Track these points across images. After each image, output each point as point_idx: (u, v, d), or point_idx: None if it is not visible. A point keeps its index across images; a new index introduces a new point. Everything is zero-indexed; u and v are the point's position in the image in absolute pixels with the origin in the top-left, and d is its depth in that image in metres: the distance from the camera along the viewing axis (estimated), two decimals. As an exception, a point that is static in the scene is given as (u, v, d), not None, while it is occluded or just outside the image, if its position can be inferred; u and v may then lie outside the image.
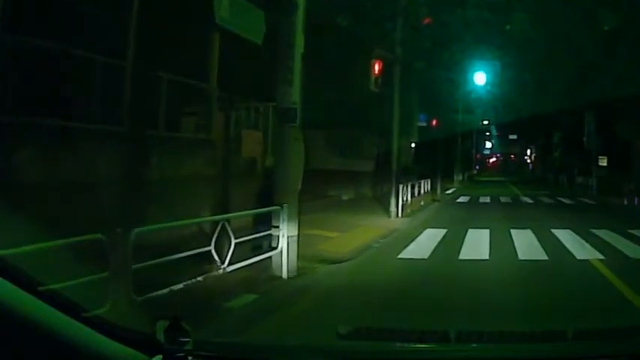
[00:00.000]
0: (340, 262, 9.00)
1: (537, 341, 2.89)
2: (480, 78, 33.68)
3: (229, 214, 6.81)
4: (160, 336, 1.84)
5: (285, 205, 7.43)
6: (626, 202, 23.19)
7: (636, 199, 22.60)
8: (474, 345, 2.78)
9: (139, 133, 9.87)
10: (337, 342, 2.63)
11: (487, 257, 9.53)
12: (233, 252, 6.48)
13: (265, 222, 7.70)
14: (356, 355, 2.25)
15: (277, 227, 7.44)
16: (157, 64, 11.09)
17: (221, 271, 6.21)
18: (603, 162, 34.67)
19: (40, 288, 1.55)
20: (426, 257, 9.55)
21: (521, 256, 9.61)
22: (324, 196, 19.67)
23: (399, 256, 9.68)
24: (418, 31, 19.91)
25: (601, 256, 9.51)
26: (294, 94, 7.75)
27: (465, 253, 9.90)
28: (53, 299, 1.56)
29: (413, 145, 34.84)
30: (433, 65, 30.20)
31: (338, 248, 10.23)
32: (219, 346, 2.20)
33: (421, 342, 2.66)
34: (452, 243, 11.14)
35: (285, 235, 7.41)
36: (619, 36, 27.84)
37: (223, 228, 6.53)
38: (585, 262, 9.04)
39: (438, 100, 34.58)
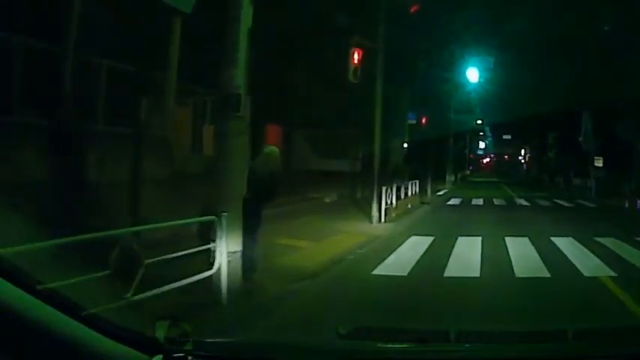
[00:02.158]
0: (303, 279, 7.56)
1: (537, 341, 2.75)
2: (472, 74, 32.28)
3: (139, 227, 5.26)
4: (160, 336, 1.85)
5: (224, 214, 5.92)
6: (627, 205, 21.79)
7: (638, 202, 21.21)
8: (474, 345, 2.69)
9: (66, 127, 8.35)
10: (337, 342, 2.53)
11: (478, 274, 8.05)
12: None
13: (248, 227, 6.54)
14: (356, 355, 2.26)
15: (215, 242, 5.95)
16: (101, 50, 9.65)
17: (123, 301, 4.68)
18: (599, 163, 33.62)
19: (39, 287, 1.53)
20: (405, 274, 8.06)
21: (518, 272, 8.13)
22: (304, 199, 18.36)
23: (375, 272, 8.19)
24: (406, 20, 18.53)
25: (612, 272, 8.06)
26: (239, 77, 6.28)
27: (452, 269, 8.42)
28: (52, 298, 1.54)
29: (405, 145, 33.50)
30: (423, 60, 28.99)
31: (305, 262, 8.77)
32: (218, 346, 2.18)
33: (421, 342, 2.53)
34: (438, 254, 9.67)
35: (223, 251, 5.90)
36: (619, 35, 26.89)
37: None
38: (594, 281, 7.59)
39: (431, 98, 33.32)
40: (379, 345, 2.57)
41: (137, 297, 4.86)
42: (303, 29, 19.05)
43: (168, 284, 5.34)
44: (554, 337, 2.89)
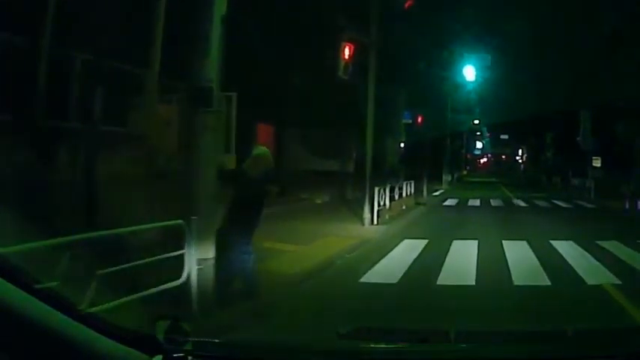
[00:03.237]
0: (284, 287, 7.11)
1: (537, 341, 2.70)
2: (469, 72, 31.76)
3: (91, 234, 4.66)
4: (160, 336, 1.85)
5: (193, 218, 5.37)
6: (627, 206, 21.29)
7: (639, 203, 20.70)
8: (474, 345, 2.64)
9: (29, 123, 7.79)
10: (337, 342, 2.46)
11: (473, 282, 7.51)
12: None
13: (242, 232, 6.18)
14: (356, 355, 2.27)
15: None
16: (76, 43, 9.10)
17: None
18: (597, 163, 33.12)
19: (38, 286, 1.53)
20: (395, 281, 7.53)
21: (516, 279, 7.60)
22: (295, 200, 17.84)
23: (362, 280, 7.67)
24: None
25: (616, 280, 7.54)
26: (211, 69, 5.75)
27: (446, 276, 7.89)
28: (52, 298, 1.53)
29: (402, 145, 33.03)
30: (421, 59, 28.53)
31: (290, 267, 8.25)
32: (218, 346, 2.17)
33: (421, 342, 2.50)
34: (431, 259, 9.14)
35: (192, 259, 5.35)
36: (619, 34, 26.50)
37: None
38: (598, 289, 7.07)
39: (429, 97, 32.85)
40: (379, 345, 2.55)
41: (92, 309, 4.35)
42: (297, 27, 18.51)
43: (131, 294, 4.82)
44: (554, 337, 2.87)
